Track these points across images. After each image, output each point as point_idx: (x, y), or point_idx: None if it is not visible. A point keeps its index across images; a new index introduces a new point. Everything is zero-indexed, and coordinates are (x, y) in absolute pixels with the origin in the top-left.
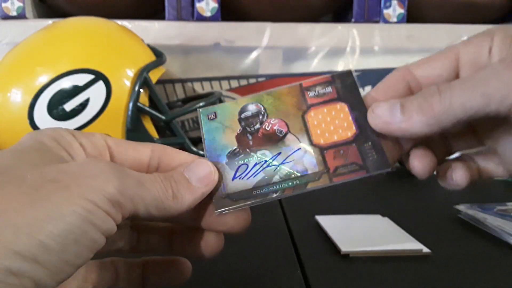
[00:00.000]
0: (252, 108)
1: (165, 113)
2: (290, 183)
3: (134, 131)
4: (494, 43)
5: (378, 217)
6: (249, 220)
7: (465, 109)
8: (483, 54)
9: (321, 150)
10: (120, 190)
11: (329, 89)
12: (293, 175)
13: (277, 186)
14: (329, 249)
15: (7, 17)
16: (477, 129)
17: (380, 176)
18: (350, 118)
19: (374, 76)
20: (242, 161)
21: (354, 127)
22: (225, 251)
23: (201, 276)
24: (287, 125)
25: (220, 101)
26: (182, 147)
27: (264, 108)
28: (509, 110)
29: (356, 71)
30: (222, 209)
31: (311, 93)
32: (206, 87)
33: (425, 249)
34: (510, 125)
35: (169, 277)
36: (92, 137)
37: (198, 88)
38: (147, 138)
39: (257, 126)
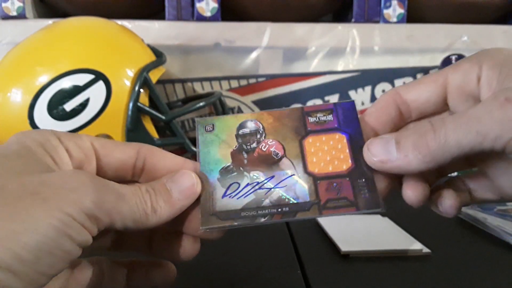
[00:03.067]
0: (251, 126)
1: (165, 113)
2: (279, 210)
3: (134, 131)
4: (482, 72)
5: (378, 217)
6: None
7: (461, 146)
8: (471, 82)
9: (315, 179)
10: (97, 204)
11: (330, 117)
12: (283, 202)
13: (266, 211)
14: (329, 249)
15: (7, 17)
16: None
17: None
18: (347, 150)
19: (374, 76)
20: (234, 180)
21: (350, 161)
22: (225, 251)
23: (201, 276)
24: (284, 148)
25: (220, 101)
26: (182, 147)
27: (263, 127)
28: (503, 147)
29: (356, 71)
30: (208, 227)
31: (311, 119)
32: (206, 87)
33: (425, 249)
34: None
35: (153, 279)
36: (79, 140)
37: (198, 88)
38: (147, 138)
39: (254, 145)
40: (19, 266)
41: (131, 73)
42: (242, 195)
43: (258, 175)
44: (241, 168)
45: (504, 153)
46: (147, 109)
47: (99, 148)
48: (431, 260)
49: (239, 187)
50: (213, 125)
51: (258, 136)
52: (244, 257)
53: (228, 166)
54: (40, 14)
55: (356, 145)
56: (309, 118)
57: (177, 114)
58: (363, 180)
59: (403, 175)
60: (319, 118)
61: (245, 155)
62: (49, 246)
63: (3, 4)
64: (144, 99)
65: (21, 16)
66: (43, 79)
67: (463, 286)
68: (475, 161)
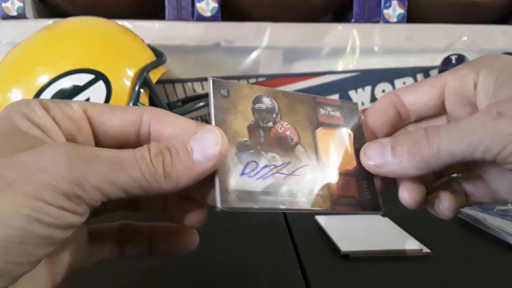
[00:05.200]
0: (267, 102)
1: None
2: (297, 199)
3: None
4: (479, 78)
5: (378, 217)
6: None
7: (453, 155)
8: (468, 87)
9: (326, 173)
10: (77, 181)
11: (338, 113)
12: (300, 192)
13: (285, 198)
14: (329, 249)
15: (7, 17)
16: None
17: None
18: (353, 150)
19: (374, 76)
20: (253, 158)
21: (354, 161)
22: (225, 251)
23: (201, 276)
24: (298, 135)
25: None
26: None
27: (279, 107)
28: (494, 159)
29: (356, 71)
30: (228, 207)
31: (322, 111)
32: (206, 87)
33: (425, 249)
34: None
35: (175, 245)
36: (68, 109)
37: (198, 88)
38: None
39: (270, 124)
40: None
41: (131, 73)
42: (261, 176)
43: (275, 158)
44: (258, 147)
45: (495, 163)
46: None
47: (93, 116)
48: (431, 260)
49: (257, 166)
50: (228, 90)
51: (274, 115)
52: (244, 257)
53: (246, 141)
54: (40, 14)
55: (358, 147)
56: (320, 109)
57: (177, 114)
58: (365, 182)
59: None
60: (329, 112)
61: (262, 133)
62: (19, 237)
63: (3, 4)
64: (144, 99)
65: (21, 16)
66: (43, 79)
67: (463, 286)
68: (470, 164)
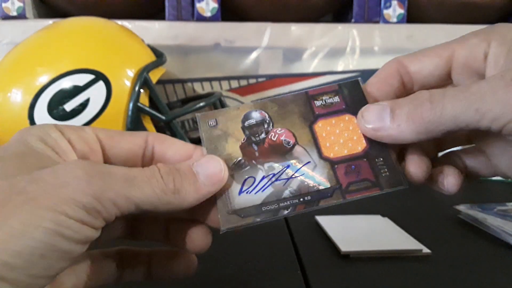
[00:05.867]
0: (256, 116)
1: (165, 113)
2: (301, 199)
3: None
4: (490, 49)
5: (378, 217)
6: None
7: (456, 122)
8: (477, 59)
9: (332, 164)
10: (96, 196)
11: (336, 99)
12: (304, 191)
13: (288, 202)
14: (329, 249)
15: (7, 17)
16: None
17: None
18: (360, 131)
19: None
20: (249, 174)
21: (364, 141)
22: (225, 251)
23: (201, 276)
24: (294, 136)
25: (220, 101)
26: None
27: (269, 116)
28: (500, 129)
29: (356, 71)
30: (230, 226)
31: (318, 103)
32: (206, 87)
33: (425, 249)
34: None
35: (174, 270)
36: (82, 132)
37: (198, 88)
38: None
39: (263, 135)
40: (10, 273)
41: (131, 73)
42: (260, 189)
43: (273, 167)
44: (253, 161)
45: (500, 134)
46: (147, 109)
47: (104, 139)
48: (431, 260)
49: (254, 181)
50: (216, 120)
51: (266, 126)
52: (244, 257)
53: (240, 160)
54: (40, 14)
55: None
56: (315, 102)
57: (177, 114)
58: (381, 159)
59: (406, 150)
60: (325, 101)
61: (255, 147)
62: (41, 250)
63: (3, 4)
64: (144, 99)
65: (21, 16)
66: (43, 79)
67: (463, 286)
68: (472, 137)
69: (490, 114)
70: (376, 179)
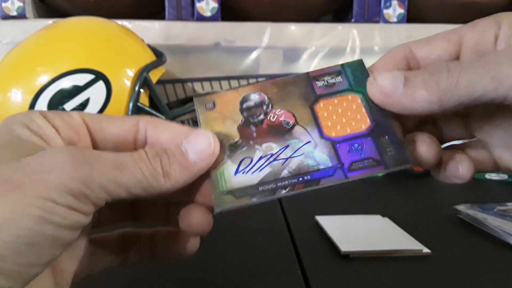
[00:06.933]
0: (255, 98)
1: (165, 113)
2: (300, 179)
3: None
4: (501, 31)
5: (378, 217)
6: None
7: (471, 91)
8: (488, 41)
9: (333, 143)
10: (83, 180)
11: (339, 78)
12: (304, 170)
13: (287, 182)
14: (329, 249)
15: (7, 17)
16: (469, 121)
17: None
18: (364, 110)
19: None
20: (246, 155)
21: (368, 120)
22: (225, 251)
23: (201, 276)
24: (294, 116)
25: None
26: None
27: (268, 98)
28: None
29: None
30: (224, 207)
31: (319, 83)
32: (206, 87)
33: (425, 249)
34: (503, 119)
35: (177, 249)
36: (67, 117)
37: (198, 88)
38: None
39: (261, 117)
40: None
41: (131, 73)
42: (257, 169)
43: (271, 147)
44: (251, 142)
45: (503, 113)
46: (147, 109)
47: (91, 124)
48: (431, 260)
49: (251, 161)
50: (213, 102)
51: (265, 107)
52: (244, 257)
53: (236, 141)
54: (40, 14)
55: (372, 104)
56: (316, 82)
57: (177, 114)
58: (386, 137)
59: (415, 134)
60: (327, 81)
61: (253, 128)
62: (29, 238)
63: (3, 4)
64: (144, 99)
65: (21, 16)
66: (43, 79)
67: (463, 286)
68: (474, 130)
69: (508, 82)
70: (381, 157)
